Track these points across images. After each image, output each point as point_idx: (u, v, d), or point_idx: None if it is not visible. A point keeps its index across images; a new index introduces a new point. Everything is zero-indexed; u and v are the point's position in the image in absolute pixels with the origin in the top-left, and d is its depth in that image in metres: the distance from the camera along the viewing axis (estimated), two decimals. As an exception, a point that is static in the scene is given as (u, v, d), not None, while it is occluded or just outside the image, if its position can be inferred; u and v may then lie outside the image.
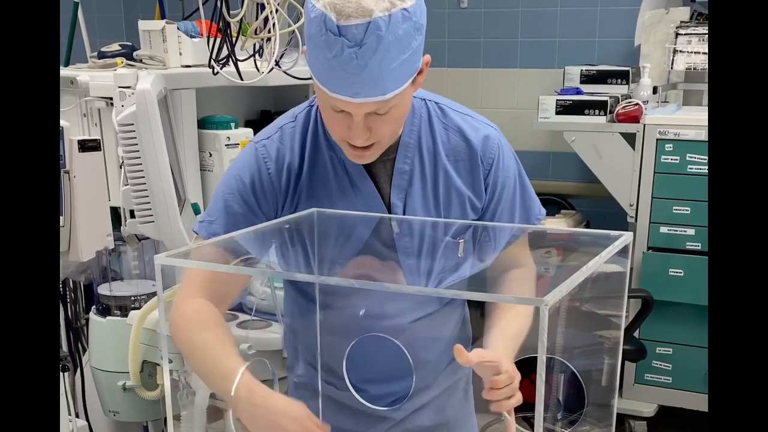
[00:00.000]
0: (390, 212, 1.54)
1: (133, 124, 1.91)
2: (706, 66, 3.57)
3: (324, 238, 1.50)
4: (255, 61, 2.28)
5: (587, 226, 3.78)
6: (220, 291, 1.54)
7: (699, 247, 3.24)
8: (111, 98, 2.10)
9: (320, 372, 1.64)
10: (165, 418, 2.35)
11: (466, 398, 1.77)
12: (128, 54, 2.32)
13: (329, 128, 1.45)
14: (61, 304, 2.46)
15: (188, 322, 1.51)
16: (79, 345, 2.56)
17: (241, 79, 2.25)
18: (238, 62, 2.23)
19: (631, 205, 3.36)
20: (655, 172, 3.30)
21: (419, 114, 1.55)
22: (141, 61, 2.30)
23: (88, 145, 1.90)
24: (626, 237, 1.21)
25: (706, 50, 3.56)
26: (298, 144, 1.53)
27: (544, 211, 1.63)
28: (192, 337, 1.50)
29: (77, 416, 2.44)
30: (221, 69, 2.22)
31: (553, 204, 3.81)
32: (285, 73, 2.35)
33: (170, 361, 2.11)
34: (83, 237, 1.78)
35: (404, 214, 1.54)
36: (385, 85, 1.32)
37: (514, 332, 1.51)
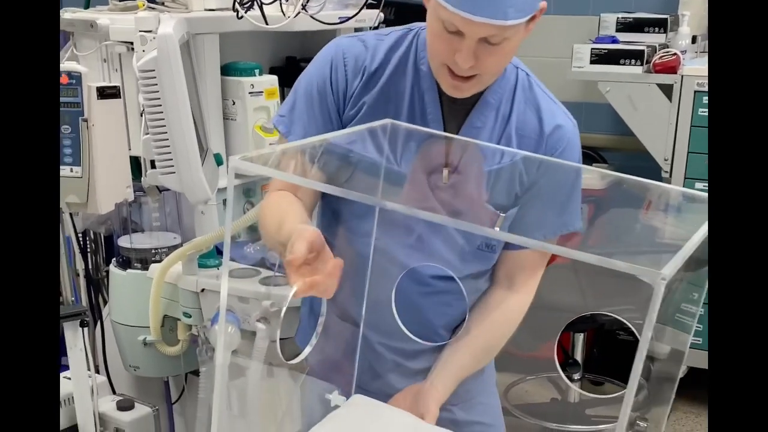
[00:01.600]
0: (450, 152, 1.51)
1: (154, 70, 1.83)
2: (749, 15, 3.42)
3: (394, 154, 1.47)
4: (281, 4, 2.18)
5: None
6: (301, 193, 1.53)
7: (736, 204, 3.13)
8: (132, 43, 2.01)
9: (364, 307, 1.57)
10: (186, 374, 2.32)
11: (482, 371, 1.71)
12: (149, -4, 2.22)
13: (434, 50, 1.42)
14: (81, 256, 2.41)
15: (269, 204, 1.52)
16: (100, 298, 2.51)
17: (266, 24, 2.15)
18: (263, 6, 2.13)
19: (666, 160, 3.25)
20: (691, 126, 3.18)
21: (508, 78, 1.52)
22: (163, 3, 2.19)
23: (107, 93, 1.83)
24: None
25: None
26: (380, 57, 1.52)
27: (580, 225, 1.55)
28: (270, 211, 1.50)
29: (97, 371, 2.42)
30: (246, 13, 2.12)
31: (586, 157, 3.69)
32: (312, 17, 2.24)
33: (188, 316, 2.12)
34: (102, 188, 1.71)
35: None
36: (507, 11, 1.31)
37: (466, 374, 1.58)
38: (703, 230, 1.00)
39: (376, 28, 2.42)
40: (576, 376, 3.18)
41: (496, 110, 1.50)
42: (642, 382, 0.94)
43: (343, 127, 1.52)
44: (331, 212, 1.62)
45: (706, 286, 1.04)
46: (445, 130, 1.50)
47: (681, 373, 3.37)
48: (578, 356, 3.20)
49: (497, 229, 1.52)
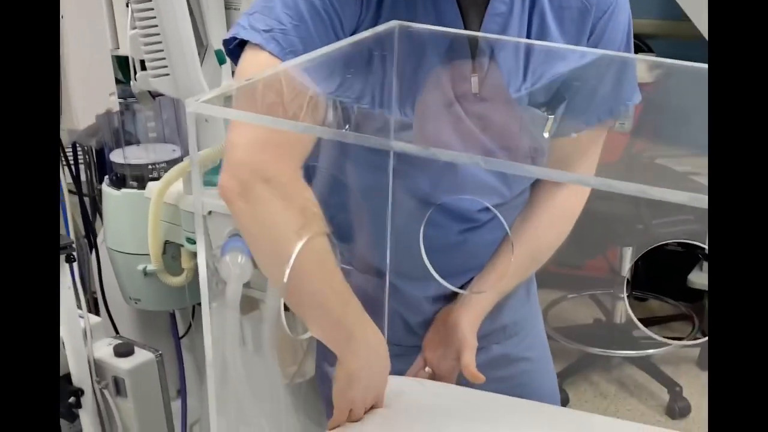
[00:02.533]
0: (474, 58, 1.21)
1: (138, -52, 1.52)
2: None
3: (405, 64, 1.17)
4: None
5: (668, 75, 3.34)
6: (297, 145, 1.14)
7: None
8: None
9: (389, 257, 1.32)
10: (193, 308, 2.08)
11: (528, 297, 1.49)
12: None
13: None
14: (70, 174, 2.14)
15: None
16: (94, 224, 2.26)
17: None
18: None
19: (724, 49, 2.90)
20: (755, 12, 2.82)
21: None
22: None
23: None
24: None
25: None
26: None
27: (638, 98, 1.29)
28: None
29: (96, 307, 2.18)
30: None
31: (629, 47, 3.36)
32: None
33: (193, 242, 1.86)
34: (78, 97, 1.40)
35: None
36: None
37: (507, 288, 1.38)
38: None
39: None
40: (623, 295, 2.91)
41: None
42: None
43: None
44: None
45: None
46: (465, 24, 1.21)
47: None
48: (626, 272, 2.92)
49: (547, 135, 1.27)
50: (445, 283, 1.27)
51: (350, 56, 1.11)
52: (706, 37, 2.83)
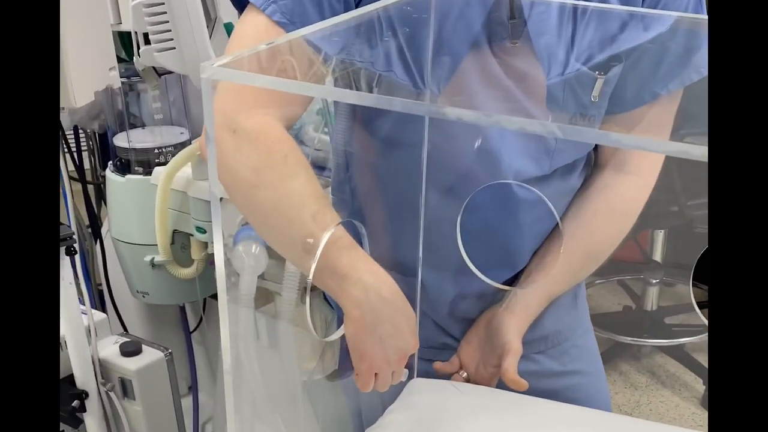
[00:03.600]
0: (514, 8, 1.06)
1: None
2: None
3: (439, 30, 1.03)
4: None
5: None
6: (288, 110, 1.08)
7: None
8: None
9: (421, 245, 1.18)
10: (204, 301, 1.97)
11: (575, 303, 1.32)
12: None
13: None
14: (71, 160, 2.02)
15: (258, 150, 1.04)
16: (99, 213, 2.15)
17: None
18: None
19: None
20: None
21: None
22: None
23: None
24: None
25: None
26: None
27: (705, 68, 1.11)
28: (270, 179, 1.04)
29: (101, 301, 2.07)
30: None
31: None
32: None
33: (203, 231, 1.76)
34: (75, 73, 1.27)
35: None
36: None
37: (558, 290, 1.22)
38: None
39: None
40: (655, 281, 2.78)
41: None
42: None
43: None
44: (351, 114, 1.20)
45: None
46: None
47: None
48: (657, 257, 2.79)
49: (595, 97, 1.11)
50: (485, 278, 1.12)
51: (384, 21, 0.99)
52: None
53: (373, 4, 0.94)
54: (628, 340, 2.84)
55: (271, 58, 0.82)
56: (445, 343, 1.27)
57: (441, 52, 1.06)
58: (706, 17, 1.09)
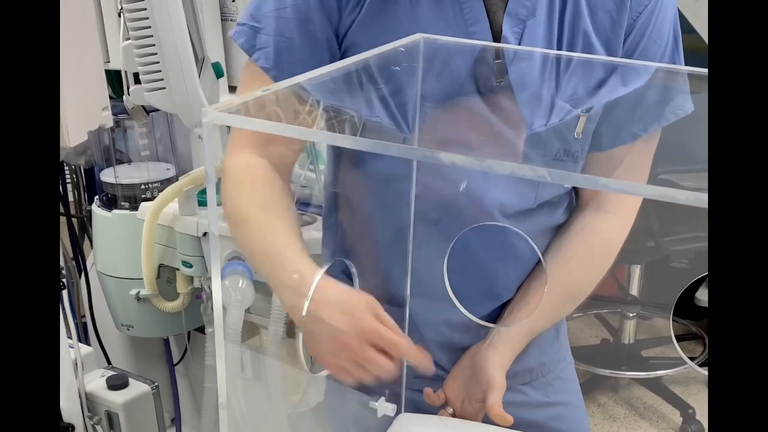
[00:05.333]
0: (501, 58, 1.10)
1: (131, -46, 1.43)
2: None
3: (428, 80, 1.08)
4: None
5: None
6: (277, 150, 1.15)
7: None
8: None
9: (409, 279, 1.20)
10: (188, 333, 1.99)
11: (557, 337, 1.34)
12: None
13: None
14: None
15: (238, 186, 1.14)
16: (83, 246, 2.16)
17: None
18: None
19: (733, 62, 2.83)
20: (763, 22, 2.75)
21: None
22: None
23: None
24: None
25: None
26: None
27: (690, 106, 1.15)
28: (242, 207, 1.13)
29: (85, 334, 2.08)
30: None
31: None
32: None
33: (189, 266, 1.78)
34: (69, 113, 1.30)
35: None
36: None
37: (540, 327, 1.25)
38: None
39: None
40: (632, 315, 2.82)
41: None
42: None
43: (340, 40, 1.12)
44: (339, 156, 1.24)
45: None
46: (486, 8, 1.09)
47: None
48: (634, 291, 2.83)
49: (578, 134, 1.14)
50: (469, 315, 1.14)
51: (372, 69, 1.03)
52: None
53: (363, 54, 0.98)
54: (606, 372, 2.86)
55: (268, 103, 0.86)
56: (435, 373, 1.29)
57: (428, 98, 1.10)
58: (683, 66, 1.15)
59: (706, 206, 0.64)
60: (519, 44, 1.10)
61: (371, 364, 1.00)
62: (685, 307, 3.13)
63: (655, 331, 3.17)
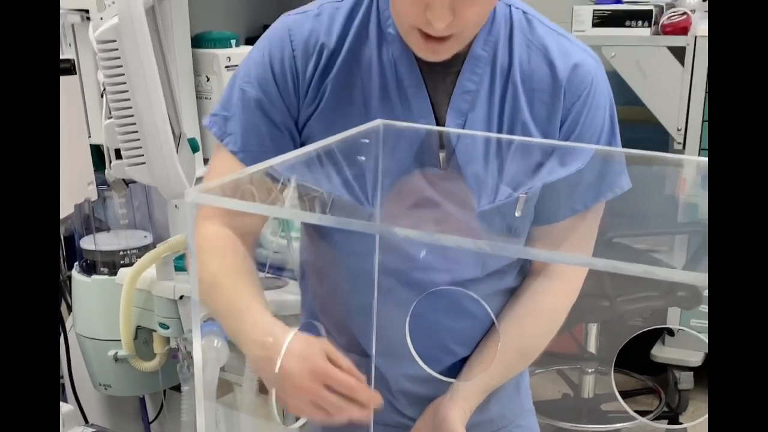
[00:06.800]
0: (445, 142, 1.22)
1: (115, 41, 1.55)
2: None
3: (388, 163, 1.20)
4: (259, -37, 1.89)
5: (626, 153, 3.41)
6: (243, 222, 1.25)
7: (758, 176, 2.88)
8: (87, 11, 1.75)
9: (374, 345, 1.31)
10: (164, 391, 2.06)
11: (518, 391, 1.45)
12: (105, -44, 1.93)
13: (400, 11, 1.14)
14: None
15: (206, 254, 1.22)
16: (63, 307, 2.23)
17: (244, -14, 1.87)
18: (240, -35, 1.85)
19: (678, 130, 2.99)
20: (707, 92, 2.91)
21: (500, 22, 1.22)
22: (121, -36, 1.90)
23: (60, 68, 1.54)
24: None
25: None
26: (338, 27, 1.22)
27: (627, 185, 1.26)
28: (210, 273, 1.21)
29: (62, 393, 2.14)
30: (219, -27, 1.83)
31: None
32: (295, -22, 1.96)
33: (165, 327, 1.88)
34: (61, 188, 1.40)
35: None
36: None
37: (495, 383, 1.33)
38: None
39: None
40: (590, 370, 2.93)
41: (491, 64, 1.22)
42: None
43: (300, 128, 1.24)
44: (310, 228, 1.36)
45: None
46: (431, 102, 1.21)
47: (699, 361, 3.20)
48: (592, 348, 2.94)
49: (518, 214, 1.25)
50: (429, 370, 1.23)
51: (337, 152, 1.15)
52: (660, 120, 2.93)
53: (329, 138, 1.09)
54: (567, 425, 2.94)
55: (243, 183, 0.97)
56: (400, 422, 1.37)
57: (385, 178, 1.21)
58: (620, 148, 1.26)
59: (637, 274, 0.73)
60: (460, 137, 1.21)
61: (327, 404, 1.09)
62: (642, 363, 3.25)
63: (607, 383, 3.27)
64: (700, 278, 0.71)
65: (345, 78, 1.21)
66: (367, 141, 1.14)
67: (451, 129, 1.21)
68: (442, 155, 1.22)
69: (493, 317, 1.30)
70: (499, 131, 1.22)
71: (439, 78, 1.21)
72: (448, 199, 1.23)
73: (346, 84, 1.21)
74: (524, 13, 1.24)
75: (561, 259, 0.78)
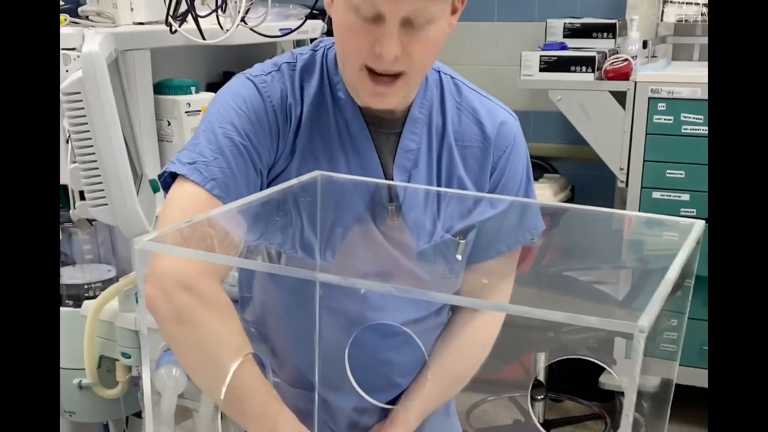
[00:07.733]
0: (391, 193, 1.35)
1: (79, 93, 1.66)
2: (699, 17, 3.36)
3: (327, 211, 1.30)
4: (218, 17, 2.02)
5: (572, 191, 3.57)
6: (217, 270, 1.30)
7: (694, 213, 3.05)
8: None
9: (317, 377, 1.43)
10: (126, 418, 2.15)
11: (447, 413, 1.59)
12: (72, 10, 2.05)
13: (350, 50, 1.24)
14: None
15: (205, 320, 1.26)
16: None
17: (203, 38, 2.00)
18: (199, 18, 1.98)
19: (621, 169, 3.15)
20: (647, 133, 3.08)
21: (432, 87, 1.37)
22: (87, 18, 2.02)
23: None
24: (698, 226, 1.01)
25: (699, 0, 3.35)
26: (298, 90, 1.32)
27: (542, 227, 1.41)
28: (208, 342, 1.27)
29: None
30: (179, 27, 1.96)
31: (536, 167, 3.59)
32: (252, 30, 2.09)
33: (128, 356, 1.95)
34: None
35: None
36: None
37: (432, 407, 1.46)
38: (678, 261, 0.94)
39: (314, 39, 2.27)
40: (540, 397, 3.06)
41: (428, 125, 1.36)
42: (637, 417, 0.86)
43: (269, 179, 1.33)
44: (260, 274, 1.48)
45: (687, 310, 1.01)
46: (380, 161, 1.35)
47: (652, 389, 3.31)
48: (540, 376, 3.08)
49: (459, 257, 1.40)
50: (370, 399, 1.35)
51: (276, 202, 1.23)
52: (603, 160, 3.09)
53: (270, 189, 1.19)
54: (518, 451, 3.08)
55: (197, 230, 1.04)
56: None
57: (334, 228, 1.32)
58: (534, 198, 1.46)
59: (559, 320, 0.79)
60: (407, 191, 1.35)
61: None
62: (590, 390, 3.38)
63: (564, 412, 3.40)
64: (629, 327, 0.75)
65: (308, 137, 1.32)
66: (304, 191, 1.25)
67: (385, 181, 1.34)
68: (387, 204, 1.35)
69: (423, 349, 1.42)
70: (438, 185, 1.37)
71: (384, 138, 1.34)
72: (396, 245, 1.36)
73: (311, 141, 1.32)
74: (452, 78, 1.39)
75: (487, 306, 0.91)
